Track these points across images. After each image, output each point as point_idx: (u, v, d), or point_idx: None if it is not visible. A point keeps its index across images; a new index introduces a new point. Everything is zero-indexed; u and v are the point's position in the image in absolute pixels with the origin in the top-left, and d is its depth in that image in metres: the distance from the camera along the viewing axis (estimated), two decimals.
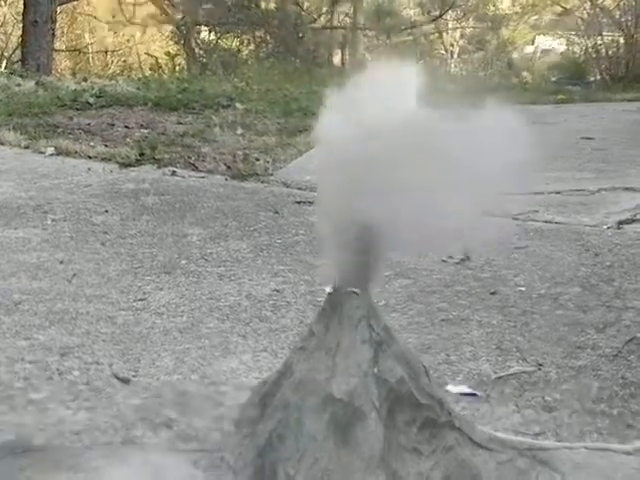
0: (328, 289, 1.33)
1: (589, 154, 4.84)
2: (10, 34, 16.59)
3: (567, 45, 14.96)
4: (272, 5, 15.21)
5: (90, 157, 4.43)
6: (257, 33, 14.41)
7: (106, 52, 17.96)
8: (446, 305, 2.33)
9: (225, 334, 2.12)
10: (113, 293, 2.43)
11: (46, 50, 10.11)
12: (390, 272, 2.57)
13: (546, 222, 3.21)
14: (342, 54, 17.74)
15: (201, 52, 13.97)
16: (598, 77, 11.99)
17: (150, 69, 11.98)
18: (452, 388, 1.79)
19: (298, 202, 3.51)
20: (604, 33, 12.06)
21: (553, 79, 13.52)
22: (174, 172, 4.11)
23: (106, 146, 4.70)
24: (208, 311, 2.29)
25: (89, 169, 4.14)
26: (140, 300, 2.38)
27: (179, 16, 14.94)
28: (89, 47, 18.24)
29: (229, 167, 4.22)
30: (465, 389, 1.79)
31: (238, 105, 6.43)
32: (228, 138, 5.09)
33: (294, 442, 1.26)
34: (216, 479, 1.36)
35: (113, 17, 17.74)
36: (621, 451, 1.50)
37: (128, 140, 4.93)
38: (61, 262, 2.71)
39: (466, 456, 1.33)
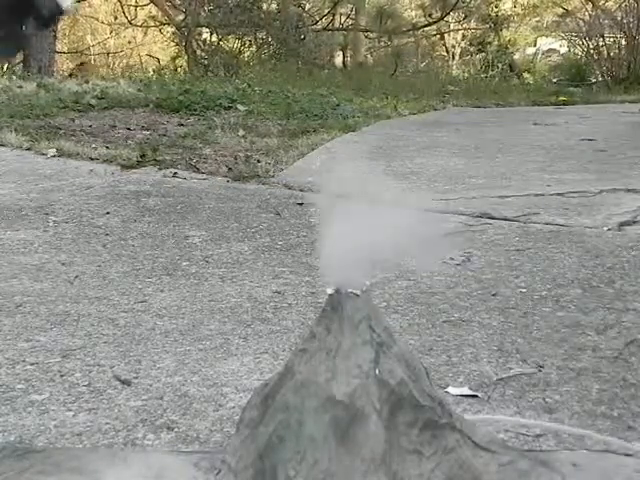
0: (329, 290, 1.33)
1: (590, 156, 4.83)
2: None
3: (568, 47, 14.97)
4: (274, 7, 15.22)
5: (92, 159, 4.44)
6: (259, 35, 14.41)
7: (108, 54, 18.00)
8: (447, 307, 2.33)
9: (226, 336, 2.12)
10: (114, 295, 2.44)
11: (48, 52, 10.13)
12: (391, 274, 2.57)
13: (547, 224, 3.21)
14: (343, 56, 17.76)
15: (203, 54, 13.97)
16: (599, 79, 11.99)
17: (153, 71, 11.99)
18: (453, 390, 1.79)
19: (300, 204, 3.51)
20: (606, 34, 12.06)
21: (554, 80, 13.52)
22: (175, 174, 4.11)
23: (108, 148, 4.70)
24: (209, 313, 2.29)
25: (91, 171, 4.15)
26: (141, 302, 2.38)
27: (180, 18, 14.95)
28: (91, 49, 18.28)
29: (230, 169, 4.22)
30: (466, 391, 1.79)
31: (240, 107, 6.44)
32: (230, 140, 5.10)
33: (295, 444, 1.26)
34: None
35: (115, 19, 17.77)
36: (621, 453, 1.50)
37: (130, 142, 4.94)
38: (63, 264, 2.72)
39: (467, 458, 1.33)
